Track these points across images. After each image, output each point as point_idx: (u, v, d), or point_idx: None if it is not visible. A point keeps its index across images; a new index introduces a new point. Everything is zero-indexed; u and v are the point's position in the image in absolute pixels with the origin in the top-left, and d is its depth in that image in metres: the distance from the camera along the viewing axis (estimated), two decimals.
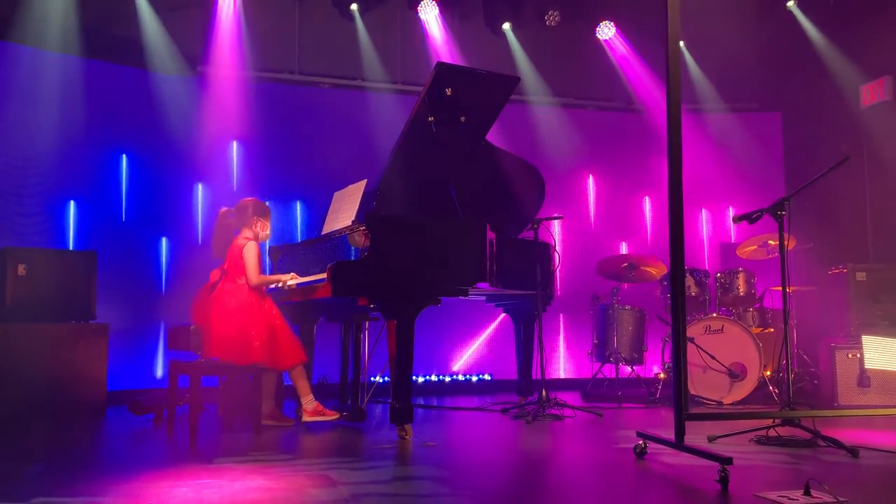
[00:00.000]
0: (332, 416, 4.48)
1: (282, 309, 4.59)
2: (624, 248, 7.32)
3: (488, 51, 7.08)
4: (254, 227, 4.51)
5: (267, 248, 5.21)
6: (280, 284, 4.51)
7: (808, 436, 3.68)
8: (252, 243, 4.40)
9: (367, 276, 3.92)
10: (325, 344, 5.37)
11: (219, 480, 2.95)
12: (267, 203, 4.77)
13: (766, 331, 5.94)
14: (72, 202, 5.79)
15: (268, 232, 4.61)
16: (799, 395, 5.41)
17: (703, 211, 7.50)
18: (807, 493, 2.59)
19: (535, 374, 5.18)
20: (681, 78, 3.28)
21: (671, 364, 5.07)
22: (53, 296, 4.96)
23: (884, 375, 5.24)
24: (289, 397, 4.64)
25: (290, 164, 6.54)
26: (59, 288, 5.00)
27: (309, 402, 4.46)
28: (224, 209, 4.57)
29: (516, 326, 5.57)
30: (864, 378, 5.26)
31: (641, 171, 7.44)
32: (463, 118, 4.65)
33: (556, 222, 7.01)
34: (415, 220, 4.20)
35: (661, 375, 5.94)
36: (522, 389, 5.50)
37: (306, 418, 4.43)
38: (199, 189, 6.26)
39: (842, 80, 6.56)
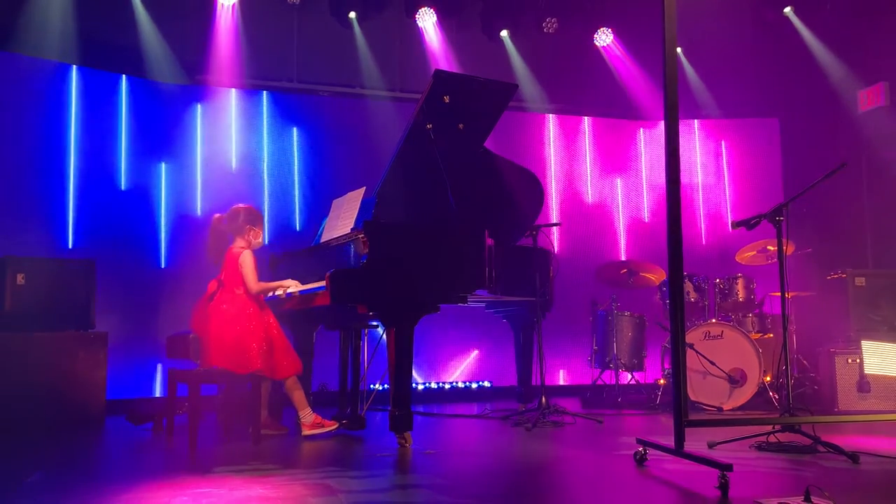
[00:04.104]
0: (331, 426, 4.46)
1: (280, 317, 4.59)
2: (623, 255, 7.32)
3: (486, 58, 7.09)
4: (246, 234, 4.48)
5: (267, 257, 5.20)
6: (281, 292, 4.49)
7: (808, 441, 3.68)
8: (248, 252, 4.38)
9: (366, 284, 3.92)
10: (324, 351, 5.36)
11: (218, 490, 2.94)
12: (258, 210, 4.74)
13: (766, 336, 5.94)
14: (71, 209, 5.79)
15: (260, 240, 4.58)
16: (799, 400, 5.40)
17: (702, 216, 7.50)
18: (807, 499, 2.58)
19: (535, 380, 5.18)
20: (678, 84, 3.29)
21: (671, 370, 5.07)
22: (52, 304, 4.95)
23: (883, 381, 5.24)
24: (289, 405, 4.62)
25: (288, 172, 6.54)
26: (58, 296, 4.99)
27: (307, 415, 4.43)
28: (217, 216, 4.57)
29: (515, 333, 5.56)
30: (864, 383, 5.26)
31: (639, 177, 7.46)
32: (461, 125, 4.66)
33: (554, 229, 7.05)
34: (413, 228, 4.20)
35: (661, 382, 5.93)
36: (522, 396, 5.50)
37: (306, 431, 4.38)
38: (199, 193, 6.28)
39: (839, 86, 6.58)
